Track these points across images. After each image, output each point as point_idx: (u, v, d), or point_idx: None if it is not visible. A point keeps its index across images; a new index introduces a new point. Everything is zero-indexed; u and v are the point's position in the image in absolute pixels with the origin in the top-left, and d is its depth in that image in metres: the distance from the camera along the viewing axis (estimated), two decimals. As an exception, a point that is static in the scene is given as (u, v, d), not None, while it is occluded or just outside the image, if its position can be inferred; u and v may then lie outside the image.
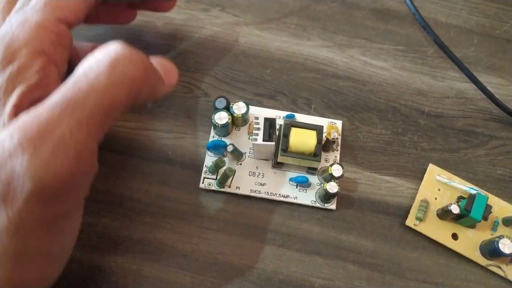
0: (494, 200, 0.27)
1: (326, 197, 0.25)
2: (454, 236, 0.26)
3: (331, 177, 0.25)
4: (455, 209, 0.25)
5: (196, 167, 0.27)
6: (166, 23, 0.31)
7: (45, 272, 0.19)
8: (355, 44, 0.31)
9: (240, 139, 0.27)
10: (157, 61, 0.22)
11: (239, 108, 0.26)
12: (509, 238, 0.24)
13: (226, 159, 0.26)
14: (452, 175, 0.27)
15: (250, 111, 0.27)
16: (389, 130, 0.29)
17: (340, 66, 0.31)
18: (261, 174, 0.26)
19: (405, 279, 0.25)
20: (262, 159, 0.27)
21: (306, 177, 0.26)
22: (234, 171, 0.25)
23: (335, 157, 0.27)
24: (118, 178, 0.26)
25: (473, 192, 0.26)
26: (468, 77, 0.29)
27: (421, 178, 0.27)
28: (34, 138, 0.16)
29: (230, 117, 0.26)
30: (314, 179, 0.26)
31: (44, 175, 0.16)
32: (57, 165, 0.16)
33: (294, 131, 0.25)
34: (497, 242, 0.24)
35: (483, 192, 0.26)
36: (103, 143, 0.27)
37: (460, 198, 0.26)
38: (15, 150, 0.16)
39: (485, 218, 0.25)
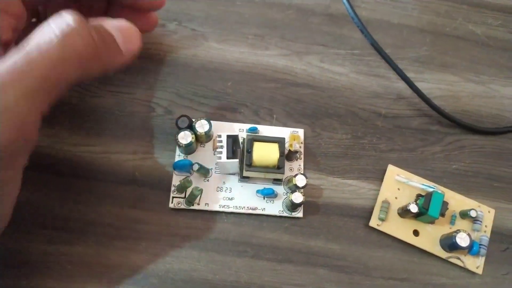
0: (450, 195, 0.28)
1: (293, 206, 0.26)
2: (415, 233, 0.27)
3: (296, 187, 0.26)
4: (414, 208, 0.26)
5: (164, 186, 0.27)
6: (123, 42, 0.31)
7: None
8: (312, 50, 0.32)
9: (206, 156, 0.28)
10: (116, 26, 0.22)
11: (202, 126, 0.27)
12: (465, 232, 0.26)
13: (192, 177, 0.27)
14: (411, 174, 0.29)
15: (213, 127, 0.27)
16: (349, 134, 0.30)
17: (299, 74, 0.31)
18: (229, 189, 0.27)
19: (372, 277, 0.26)
20: (228, 174, 0.27)
21: (272, 189, 0.27)
22: (201, 190, 0.26)
23: (299, 165, 0.28)
24: (86, 205, 0.26)
25: (430, 190, 0.27)
26: (402, 79, 0.30)
27: (382, 179, 0.28)
28: None
29: (193, 135, 0.26)
30: (280, 189, 0.27)
31: None
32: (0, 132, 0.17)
33: (256, 146, 0.26)
34: (455, 237, 0.26)
35: (440, 189, 0.28)
36: (69, 169, 0.27)
37: (418, 196, 0.28)
38: None
39: (442, 214, 0.26)
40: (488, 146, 0.30)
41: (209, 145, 0.28)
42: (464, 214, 0.27)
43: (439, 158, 0.29)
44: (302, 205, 0.27)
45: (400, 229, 0.27)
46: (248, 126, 0.29)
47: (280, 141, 0.26)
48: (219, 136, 0.26)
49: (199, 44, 0.32)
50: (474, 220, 0.27)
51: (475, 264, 0.27)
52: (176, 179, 0.27)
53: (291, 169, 0.28)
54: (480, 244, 0.27)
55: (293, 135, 0.29)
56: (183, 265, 0.26)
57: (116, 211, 0.26)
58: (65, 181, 0.27)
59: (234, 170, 0.27)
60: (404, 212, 0.27)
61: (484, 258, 0.27)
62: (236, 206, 0.27)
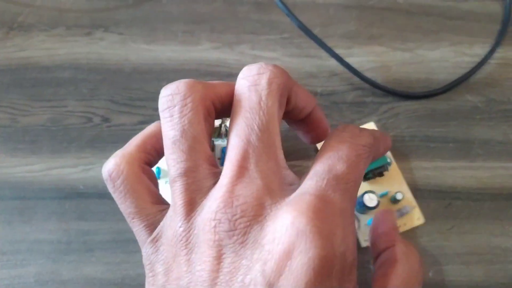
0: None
1: None
2: (362, 202, 0.28)
3: None
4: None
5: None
6: (50, 56, 0.31)
7: None
8: (243, 40, 0.32)
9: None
10: None
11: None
12: (373, 192, 0.26)
13: None
14: (352, 147, 0.29)
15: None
16: (289, 117, 0.30)
17: (232, 65, 0.32)
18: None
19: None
20: None
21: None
22: None
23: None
24: (32, 224, 0.26)
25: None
26: (332, 56, 0.31)
27: (325, 156, 0.29)
28: None
29: None
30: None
31: None
32: None
33: None
34: (362, 197, 0.26)
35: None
36: (10, 192, 0.26)
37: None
38: None
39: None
40: (420, 110, 0.31)
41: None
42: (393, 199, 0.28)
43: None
44: None
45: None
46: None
47: None
48: None
49: (129, 48, 0.31)
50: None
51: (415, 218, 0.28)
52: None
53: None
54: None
55: None
56: (140, 269, 0.26)
57: (64, 226, 0.26)
58: (8, 204, 0.26)
59: None
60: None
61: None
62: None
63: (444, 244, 0.28)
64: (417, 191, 0.29)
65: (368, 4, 0.35)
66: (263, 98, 0.17)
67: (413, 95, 0.31)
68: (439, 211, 0.28)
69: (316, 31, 0.32)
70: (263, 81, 0.18)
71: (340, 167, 0.17)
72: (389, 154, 0.29)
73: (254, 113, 0.17)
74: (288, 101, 0.19)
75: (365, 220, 0.27)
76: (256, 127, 0.17)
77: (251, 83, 0.18)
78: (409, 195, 0.28)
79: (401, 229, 0.27)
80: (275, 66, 0.18)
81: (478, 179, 0.29)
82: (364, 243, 0.27)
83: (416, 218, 0.28)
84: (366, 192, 0.26)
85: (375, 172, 0.27)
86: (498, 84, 0.32)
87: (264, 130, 0.17)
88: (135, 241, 0.26)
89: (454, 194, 0.29)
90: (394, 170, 0.29)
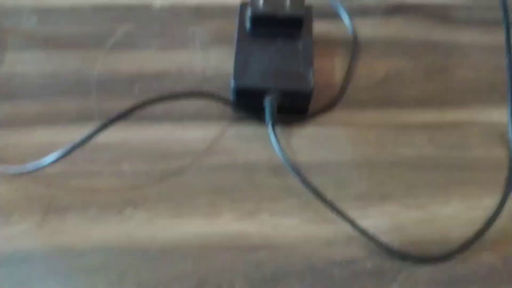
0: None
1: None
2: None
3: None
4: None
5: None
6: (83, 241, 0.32)
7: None
8: (262, 207, 0.34)
9: None
10: None
11: None
12: None
13: None
14: (375, 319, 0.30)
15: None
16: (310, 291, 0.31)
17: (253, 236, 0.33)
18: None
19: None
20: None
21: None
22: None
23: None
24: None
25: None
26: (347, 222, 0.32)
27: (350, 330, 0.30)
28: None
29: None
30: None
31: None
32: None
33: None
34: None
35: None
36: None
37: None
38: None
39: None
40: (439, 276, 0.31)
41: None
42: None
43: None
44: None
45: None
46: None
47: None
48: None
49: (156, 225, 0.33)
50: None
51: None
52: None
53: None
54: None
55: None
56: None
57: None
58: None
59: None
60: None
61: None
62: None
63: None
64: None
65: (377, 160, 0.37)
66: None
67: (429, 258, 0.32)
68: None
69: (330, 194, 0.33)
70: None
71: None
72: None
73: None
74: None
75: None
76: None
77: None
78: None
79: None
80: None
81: None
82: None
83: None
84: None
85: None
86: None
87: None
88: None
89: None
90: None
